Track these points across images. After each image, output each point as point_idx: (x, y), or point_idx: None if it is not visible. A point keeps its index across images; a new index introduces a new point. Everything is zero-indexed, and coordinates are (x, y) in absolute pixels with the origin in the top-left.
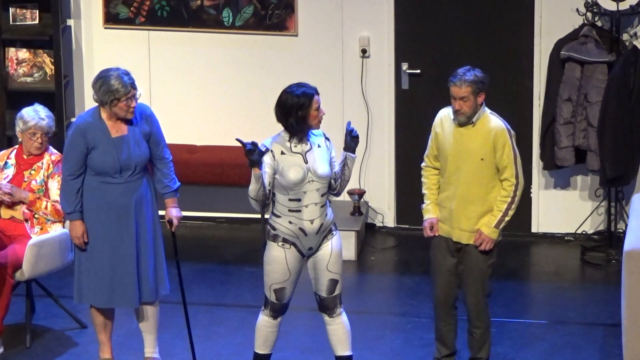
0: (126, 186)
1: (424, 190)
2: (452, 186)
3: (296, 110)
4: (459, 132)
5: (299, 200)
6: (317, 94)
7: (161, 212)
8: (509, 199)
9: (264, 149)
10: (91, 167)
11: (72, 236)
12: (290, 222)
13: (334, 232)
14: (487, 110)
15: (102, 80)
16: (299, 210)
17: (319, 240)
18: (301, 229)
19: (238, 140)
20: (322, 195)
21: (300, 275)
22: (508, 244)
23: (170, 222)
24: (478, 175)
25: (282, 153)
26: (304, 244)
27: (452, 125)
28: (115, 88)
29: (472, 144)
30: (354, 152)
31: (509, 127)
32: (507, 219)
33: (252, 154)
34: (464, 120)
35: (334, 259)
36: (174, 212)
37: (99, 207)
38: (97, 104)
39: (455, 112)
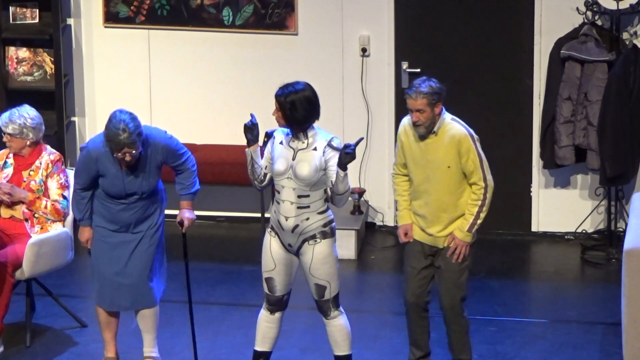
0: (131, 205)
1: (395, 197)
2: (424, 195)
3: None
4: (424, 142)
5: (279, 192)
6: (284, 95)
7: (174, 212)
8: (480, 202)
9: (267, 133)
10: (99, 187)
11: (79, 239)
12: (274, 212)
13: (318, 240)
14: (448, 117)
15: (110, 122)
16: (279, 203)
17: (297, 240)
18: (279, 222)
19: (251, 115)
20: (300, 197)
21: (290, 269)
22: (508, 243)
23: (181, 223)
24: (447, 183)
25: (281, 143)
26: (283, 238)
27: (416, 135)
28: (111, 139)
29: (437, 153)
30: (344, 168)
31: (471, 132)
32: (479, 222)
33: (247, 131)
34: (423, 131)
35: (316, 265)
36: (186, 214)
37: (102, 215)
38: None
39: (414, 124)
